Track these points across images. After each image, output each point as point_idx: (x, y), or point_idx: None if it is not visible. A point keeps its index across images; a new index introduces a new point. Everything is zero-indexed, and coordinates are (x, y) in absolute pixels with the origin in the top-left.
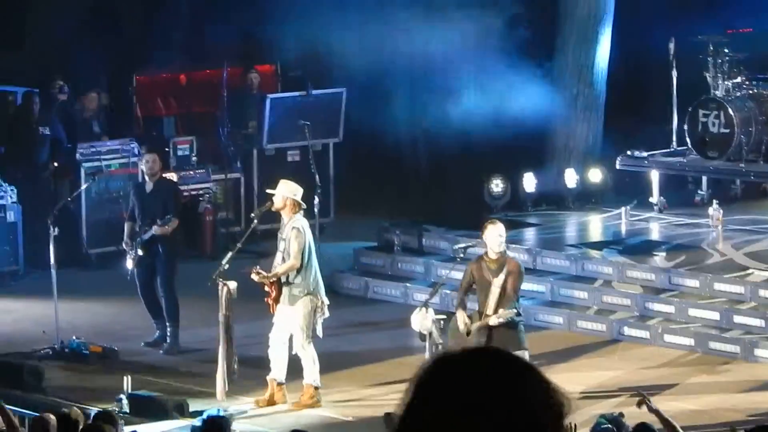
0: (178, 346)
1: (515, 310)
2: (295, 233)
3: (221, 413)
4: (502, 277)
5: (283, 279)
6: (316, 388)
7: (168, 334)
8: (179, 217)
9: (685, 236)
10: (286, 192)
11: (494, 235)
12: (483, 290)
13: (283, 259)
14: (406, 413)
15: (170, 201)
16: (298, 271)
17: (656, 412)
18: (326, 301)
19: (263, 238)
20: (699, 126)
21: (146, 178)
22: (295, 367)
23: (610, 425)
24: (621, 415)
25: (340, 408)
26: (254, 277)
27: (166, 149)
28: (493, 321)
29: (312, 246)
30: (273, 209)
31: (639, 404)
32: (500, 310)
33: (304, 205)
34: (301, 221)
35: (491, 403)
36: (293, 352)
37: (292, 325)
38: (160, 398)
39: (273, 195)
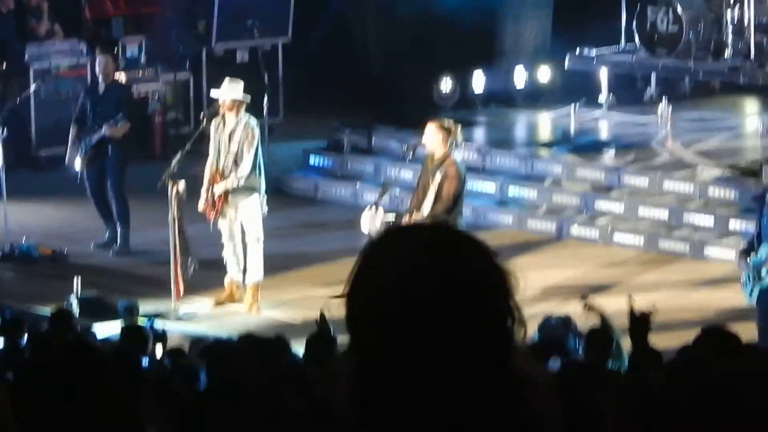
0: (129, 248)
1: (424, 216)
2: (252, 133)
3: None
4: (438, 178)
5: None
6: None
7: (118, 235)
8: (131, 119)
9: (633, 135)
10: (230, 93)
11: (426, 136)
12: (423, 189)
13: (235, 160)
14: (356, 278)
15: (123, 102)
16: (251, 169)
17: (600, 316)
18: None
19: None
20: (648, 24)
21: (99, 79)
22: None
23: (558, 320)
24: (567, 317)
25: (289, 310)
26: (220, 188)
27: (115, 50)
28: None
29: (260, 143)
30: (225, 111)
31: (584, 305)
32: (418, 214)
33: (247, 99)
34: (252, 120)
35: (441, 267)
36: (246, 247)
37: (244, 222)
38: (109, 299)
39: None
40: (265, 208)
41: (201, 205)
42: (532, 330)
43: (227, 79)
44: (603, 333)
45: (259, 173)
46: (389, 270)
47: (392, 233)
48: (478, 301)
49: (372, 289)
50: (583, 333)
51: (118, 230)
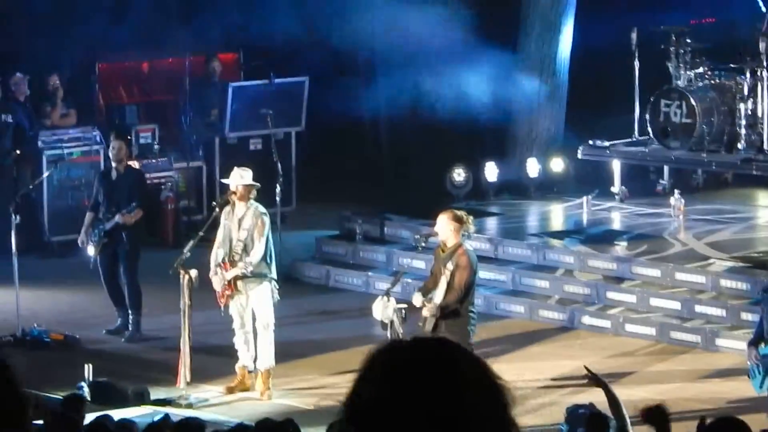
0: (141, 334)
1: (437, 304)
2: (262, 221)
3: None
4: (450, 268)
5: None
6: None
7: (130, 322)
8: (144, 207)
9: (646, 226)
10: (240, 180)
11: (438, 225)
12: (435, 278)
13: (245, 247)
14: (353, 397)
15: (136, 189)
16: (263, 256)
17: (604, 385)
18: (277, 285)
19: None
20: (661, 116)
21: (112, 165)
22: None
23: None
24: (591, 405)
25: (301, 397)
26: (231, 275)
27: (129, 137)
28: (424, 312)
29: (270, 231)
30: (236, 199)
31: (587, 378)
32: (431, 304)
33: (257, 185)
34: (260, 207)
35: (436, 391)
36: (257, 333)
37: (257, 308)
38: (120, 386)
39: (228, 184)
40: (277, 296)
41: (215, 285)
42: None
43: (236, 167)
44: (602, 417)
45: (270, 261)
46: (387, 385)
47: (393, 347)
48: (477, 417)
49: (370, 404)
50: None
51: (130, 317)
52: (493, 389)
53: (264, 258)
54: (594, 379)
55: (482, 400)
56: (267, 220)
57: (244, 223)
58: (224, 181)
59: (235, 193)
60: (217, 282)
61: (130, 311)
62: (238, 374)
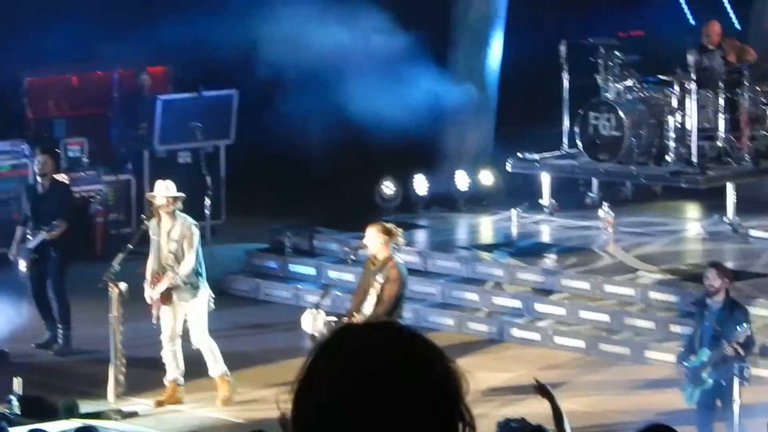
0: (70, 348)
1: (366, 316)
2: (191, 232)
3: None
4: (380, 280)
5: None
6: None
7: (60, 335)
8: (70, 220)
9: (575, 238)
10: (167, 192)
11: (368, 239)
12: (363, 291)
13: (176, 258)
14: (305, 379)
15: (62, 203)
16: (194, 267)
17: (550, 397)
18: (212, 294)
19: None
20: (590, 128)
21: (38, 179)
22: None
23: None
24: (523, 419)
25: (231, 410)
26: (162, 286)
27: (57, 150)
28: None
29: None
30: (163, 212)
31: (536, 388)
32: (360, 315)
33: (183, 196)
34: (189, 219)
35: (393, 368)
36: (195, 347)
37: (192, 321)
38: (50, 399)
39: (154, 198)
40: (212, 305)
41: (147, 297)
42: None
43: (159, 180)
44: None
45: (202, 270)
46: (340, 370)
47: (344, 332)
48: (430, 404)
49: (321, 390)
50: None
51: (60, 330)
52: (448, 375)
53: (196, 269)
54: (542, 390)
55: (438, 387)
56: (196, 230)
57: (173, 235)
58: (148, 195)
59: (163, 206)
60: (148, 294)
61: (59, 325)
62: (167, 388)
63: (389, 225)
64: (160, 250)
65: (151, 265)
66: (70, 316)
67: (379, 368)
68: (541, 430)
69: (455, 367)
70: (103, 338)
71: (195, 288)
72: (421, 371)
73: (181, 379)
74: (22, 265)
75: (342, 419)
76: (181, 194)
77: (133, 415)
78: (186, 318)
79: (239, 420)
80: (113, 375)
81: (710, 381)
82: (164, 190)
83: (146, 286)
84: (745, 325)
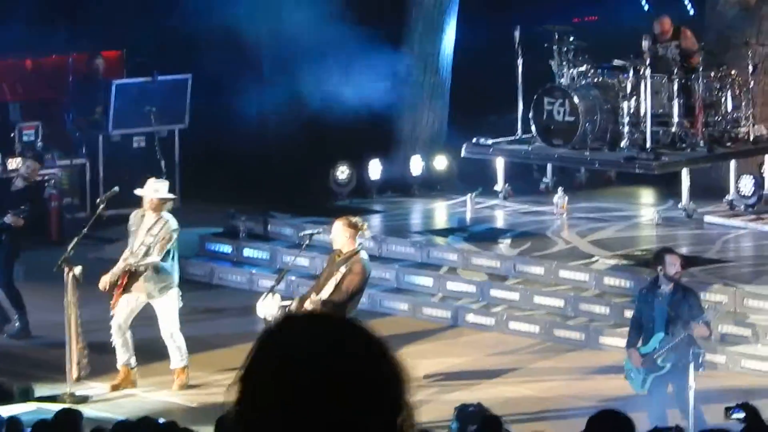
0: (27, 332)
1: (321, 299)
2: (170, 236)
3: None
4: (343, 271)
5: (148, 271)
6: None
7: (16, 319)
8: (29, 217)
9: (529, 224)
10: (154, 194)
11: (334, 233)
12: (326, 278)
13: (147, 251)
14: (249, 366)
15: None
16: (169, 264)
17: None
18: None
19: (109, 223)
20: (544, 114)
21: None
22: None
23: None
24: (479, 404)
25: (185, 394)
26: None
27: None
28: (307, 305)
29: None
30: (148, 209)
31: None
32: (316, 297)
33: (171, 197)
34: (173, 223)
35: (333, 359)
36: (163, 340)
37: (163, 317)
38: (5, 383)
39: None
40: (180, 302)
41: (102, 283)
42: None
43: (152, 179)
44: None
45: (173, 271)
46: (281, 359)
47: (289, 322)
48: (369, 396)
49: (262, 378)
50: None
51: (16, 315)
52: (390, 368)
53: (169, 270)
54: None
55: (379, 379)
56: (175, 236)
57: (152, 231)
58: (138, 192)
59: (148, 203)
60: (104, 281)
61: (14, 311)
62: (120, 371)
63: (355, 219)
64: (135, 241)
65: (125, 256)
66: (22, 300)
67: (319, 358)
68: (499, 419)
69: (399, 360)
70: (58, 323)
71: (167, 288)
72: (362, 362)
73: (133, 362)
74: None
75: (279, 407)
76: (171, 196)
77: (86, 399)
78: (156, 314)
79: (193, 404)
80: (76, 358)
81: (667, 365)
82: (153, 192)
83: (111, 275)
84: (704, 309)
